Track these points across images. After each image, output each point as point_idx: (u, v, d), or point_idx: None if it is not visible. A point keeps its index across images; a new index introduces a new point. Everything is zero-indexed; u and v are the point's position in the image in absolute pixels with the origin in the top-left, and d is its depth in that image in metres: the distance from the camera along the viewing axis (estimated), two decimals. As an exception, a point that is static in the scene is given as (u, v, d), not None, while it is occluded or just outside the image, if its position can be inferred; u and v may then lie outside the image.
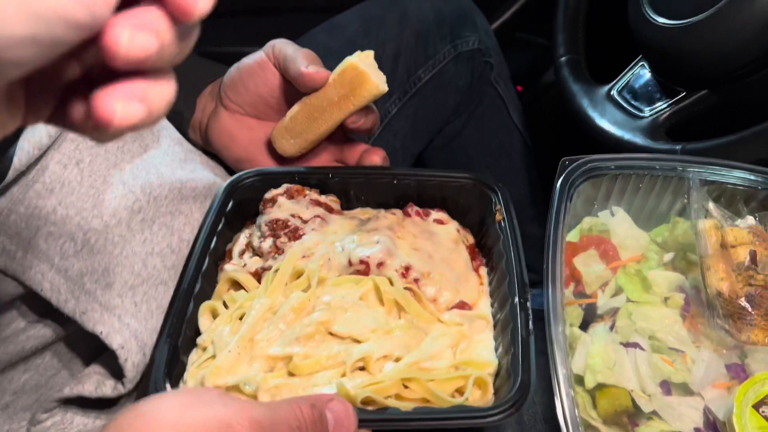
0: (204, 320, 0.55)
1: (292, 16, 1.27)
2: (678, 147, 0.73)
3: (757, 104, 0.76)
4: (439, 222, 0.64)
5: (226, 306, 0.57)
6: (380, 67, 0.63)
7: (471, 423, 0.47)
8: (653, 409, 0.55)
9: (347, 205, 0.68)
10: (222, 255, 0.62)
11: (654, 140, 0.78)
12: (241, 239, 0.63)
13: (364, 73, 0.61)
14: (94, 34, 0.25)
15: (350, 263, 0.57)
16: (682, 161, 0.67)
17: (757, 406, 0.53)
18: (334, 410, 0.40)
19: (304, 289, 0.56)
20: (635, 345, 0.59)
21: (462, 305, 0.58)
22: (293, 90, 0.66)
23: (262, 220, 0.62)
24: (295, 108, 0.65)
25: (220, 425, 0.35)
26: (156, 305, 0.58)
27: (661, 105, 0.81)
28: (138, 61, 0.26)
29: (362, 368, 0.52)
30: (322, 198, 0.65)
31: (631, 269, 0.64)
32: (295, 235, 0.60)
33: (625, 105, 0.84)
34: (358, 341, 0.52)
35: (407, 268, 0.57)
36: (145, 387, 0.49)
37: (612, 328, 0.61)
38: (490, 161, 1.14)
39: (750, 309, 0.58)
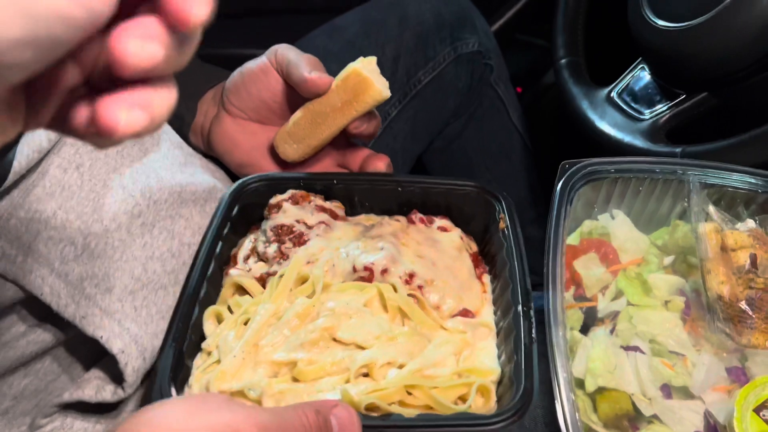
0: (209, 325, 0.56)
1: (291, 17, 1.27)
2: (678, 150, 0.73)
3: (757, 107, 0.76)
4: (443, 229, 0.65)
5: (231, 311, 0.57)
6: (380, 70, 0.63)
7: (474, 430, 0.48)
8: (654, 413, 0.55)
9: (352, 211, 0.68)
10: (227, 260, 0.62)
11: (654, 143, 0.77)
12: (246, 244, 0.63)
13: (368, 79, 0.61)
14: (93, 35, 0.25)
15: (354, 269, 0.58)
16: (682, 164, 0.67)
17: (758, 410, 0.53)
18: (338, 416, 0.40)
19: (308, 295, 0.56)
20: (636, 348, 0.59)
21: (465, 313, 0.58)
22: (296, 95, 0.66)
23: (267, 225, 0.62)
24: (298, 113, 0.65)
25: (228, 430, 0.35)
26: (156, 310, 0.57)
27: (661, 107, 0.81)
28: (146, 70, 0.26)
29: (366, 375, 0.52)
30: (327, 204, 0.65)
31: (631, 272, 0.64)
32: (299, 240, 0.61)
33: (625, 107, 0.84)
34: (362, 348, 0.53)
35: (411, 275, 0.58)
36: (150, 390, 0.49)
37: (612, 331, 0.61)
38: (490, 163, 1.14)
39: (750, 312, 0.58)
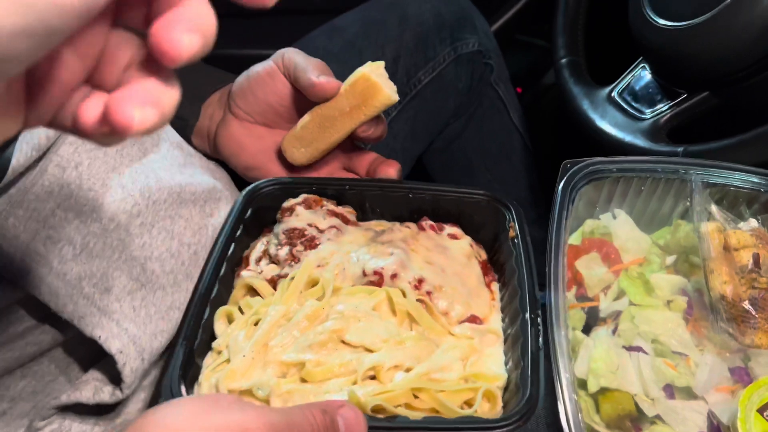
0: (220, 325, 0.57)
1: (291, 17, 1.26)
2: (679, 149, 0.73)
3: (758, 106, 0.76)
4: (453, 237, 0.65)
5: (241, 311, 0.58)
6: None
7: None
8: (656, 414, 0.55)
9: (363, 216, 0.69)
10: (239, 261, 0.63)
11: (655, 142, 0.77)
12: (258, 246, 0.64)
13: (377, 84, 0.61)
14: (88, 23, 0.25)
15: (364, 274, 0.58)
16: (684, 163, 0.67)
17: (761, 410, 0.53)
18: (344, 416, 0.41)
19: (318, 298, 0.57)
20: (638, 349, 0.58)
21: (473, 319, 0.58)
22: (302, 99, 0.66)
23: (279, 228, 0.63)
24: (306, 117, 0.66)
25: (238, 429, 0.36)
26: (155, 310, 0.57)
27: (662, 107, 0.80)
28: (190, 59, 0.27)
29: (373, 377, 0.52)
30: (339, 209, 0.66)
31: (633, 272, 0.64)
32: (311, 244, 0.61)
33: (625, 107, 0.84)
34: (369, 350, 0.53)
35: (420, 281, 0.58)
36: (159, 387, 0.50)
37: (615, 331, 0.60)
38: (490, 163, 1.14)
39: (753, 312, 0.57)
